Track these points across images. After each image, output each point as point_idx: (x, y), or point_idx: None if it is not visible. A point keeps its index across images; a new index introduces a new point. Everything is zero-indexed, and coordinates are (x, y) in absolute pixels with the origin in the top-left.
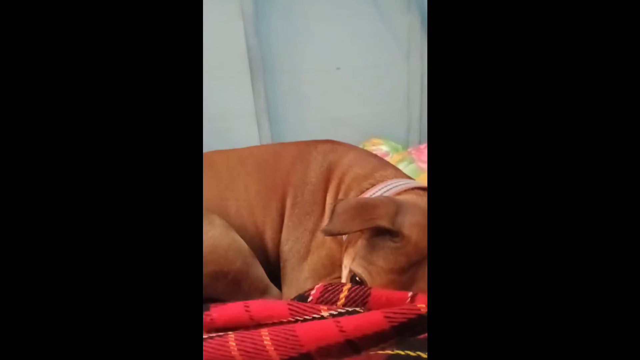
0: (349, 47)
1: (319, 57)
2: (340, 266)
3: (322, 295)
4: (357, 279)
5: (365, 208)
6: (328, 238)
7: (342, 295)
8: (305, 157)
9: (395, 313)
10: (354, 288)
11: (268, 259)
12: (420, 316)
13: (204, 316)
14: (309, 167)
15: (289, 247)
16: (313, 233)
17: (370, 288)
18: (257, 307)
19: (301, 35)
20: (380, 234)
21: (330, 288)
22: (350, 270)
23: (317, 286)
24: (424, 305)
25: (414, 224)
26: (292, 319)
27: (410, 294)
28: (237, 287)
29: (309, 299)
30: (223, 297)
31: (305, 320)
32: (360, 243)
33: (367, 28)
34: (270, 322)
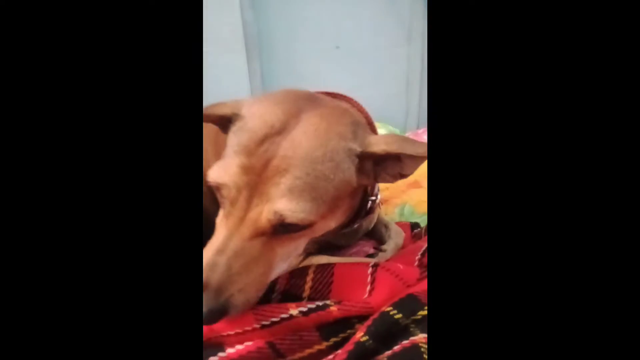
0: (349, 27)
1: (318, 36)
2: None
3: (289, 282)
4: (217, 187)
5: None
6: None
7: (308, 279)
8: None
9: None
10: (318, 269)
11: None
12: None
13: None
14: None
15: None
16: None
17: (333, 266)
18: None
19: (300, 11)
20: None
21: (295, 273)
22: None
23: (281, 276)
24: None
25: (261, 101)
26: (258, 325)
27: (370, 269)
28: None
29: (276, 288)
30: None
31: (273, 323)
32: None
33: (369, 8)
34: (233, 331)
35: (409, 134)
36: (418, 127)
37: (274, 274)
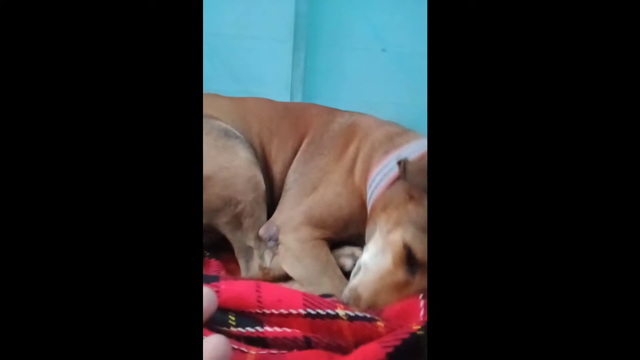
0: (398, 31)
1: (366, 37)
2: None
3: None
4: (409, 252)
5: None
6: (341, 181)
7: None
8: (333, 112)
9: (389, 339)
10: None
11: (273, 194)
12: (412, 335)
13: (210, 286)
14: (334, 119)
15: (295, 178)
16: (324, 172)
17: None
18: (269, 289)
19: (352, 10)
20: None
21: None
22: (404, 244)
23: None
24: (419, 326)
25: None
26: (304, 311)
27: (422, 302)
28: (239, 221)
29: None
30: (223, 230)
31: (318, 314)
32: (413, 209)
33: (419, 14)
34: (278, 310)
35: None
36: None
37: None
